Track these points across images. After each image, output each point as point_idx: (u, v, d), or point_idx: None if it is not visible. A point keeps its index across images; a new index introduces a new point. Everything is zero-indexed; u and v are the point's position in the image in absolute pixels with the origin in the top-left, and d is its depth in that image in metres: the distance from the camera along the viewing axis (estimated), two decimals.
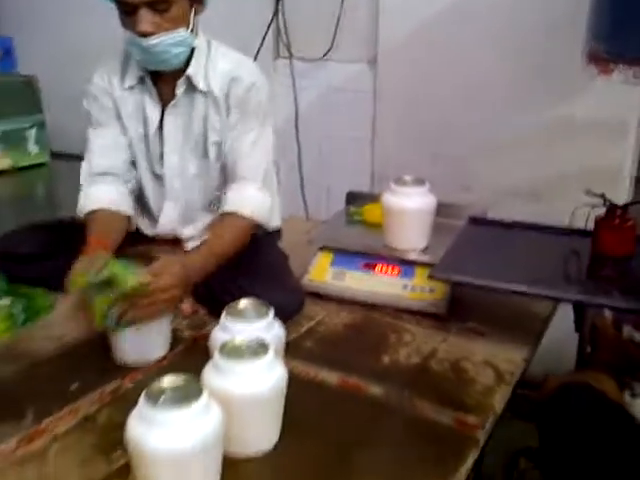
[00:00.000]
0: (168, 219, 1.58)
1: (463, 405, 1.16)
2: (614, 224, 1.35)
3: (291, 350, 1.31)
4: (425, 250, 1.55)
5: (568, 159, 1.94)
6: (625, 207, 1.35)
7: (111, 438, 1.04)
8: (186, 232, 1.60)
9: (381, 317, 1.49)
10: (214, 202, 1.58)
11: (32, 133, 2.75)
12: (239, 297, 1.30)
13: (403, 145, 2.28)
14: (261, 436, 1.03)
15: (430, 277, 1.38)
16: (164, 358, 1.30)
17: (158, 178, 1.56)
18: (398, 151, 2.29)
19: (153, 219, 1.61)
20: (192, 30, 1.40)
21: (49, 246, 1.54)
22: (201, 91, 1.47)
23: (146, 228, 1.63)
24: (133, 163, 1.56)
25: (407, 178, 1.55)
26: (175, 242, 1.58)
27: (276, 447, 1.04)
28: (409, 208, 1.52)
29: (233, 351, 0.99)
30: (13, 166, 2.69)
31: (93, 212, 1.47)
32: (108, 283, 1.18)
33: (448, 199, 1.73)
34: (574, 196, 1.39)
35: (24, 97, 2.73)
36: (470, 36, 2.06)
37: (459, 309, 1.49)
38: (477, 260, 1.45)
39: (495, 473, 1.59)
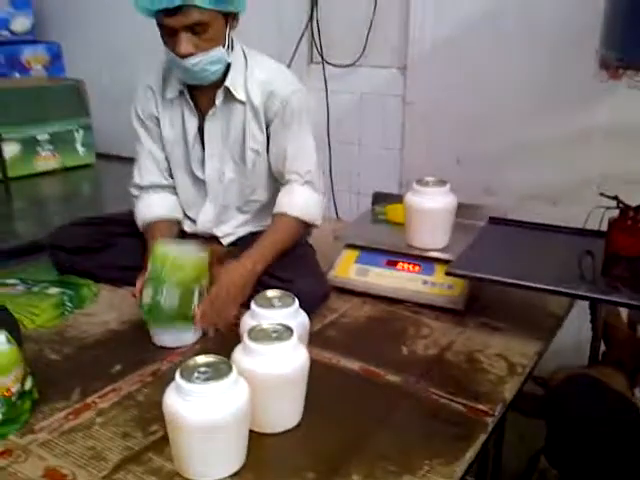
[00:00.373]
0: (206, 219, 1.69)
1: (475, 393, 1.24)
2: (627, 225, 1.40)
3: (315, 339, 1.41)
4: (445, 248, 1.62)
5: (586, 164, 1.99)
6: (638, 208, 1.39)
7: (149, 413, 1.15)
8: (221, 230, 1.71)
9: (402, 311, 1.57)
10: (248, 203, 1.69)
11: (79, 135, 2.90)
12: (271, 286, 1.42)
13: (430, 149, 2.35)
14: (285, 414, 1.12)
15: (447, 273, 1.46)
16: (198, 343, 1.41)
17: (197, 181, 1.67)
18: (425, 155, 2.36)
19: (192, 218, 1.73)
20: (228, 45, 1.48)
21: (95, 240, 1.67)
22: (239, 100, 1.55)
23: (185, 227, 1.74)
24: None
25: (429, 179, 1.62)
26: (212, 239, 1.69)
27: (299, 425, 1.13)
28: (430, 208, 1.59)
29: (260, 335, 1.09)
30: (62, 166, 2.85)
31: (154, 221, 1.62)
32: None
33: (471, 201, 1.80)
34: (591, 200, 1.45)
35: (72, 101, 2.88)
36: (496, 44, 2.12)
37: (477, 305, 1.56)
38: (494, 258, 1.52)
39: (517, 472, 1.66)
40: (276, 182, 1.65)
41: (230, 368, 0.98)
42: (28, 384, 1.16)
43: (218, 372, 0.98)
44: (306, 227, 1.62)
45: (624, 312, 1.59)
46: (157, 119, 1.62)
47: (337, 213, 2.56)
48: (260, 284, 1.47)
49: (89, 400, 1.21)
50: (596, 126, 1.96)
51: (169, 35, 1.41)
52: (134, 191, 1.69)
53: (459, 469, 1.03)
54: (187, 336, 1.39)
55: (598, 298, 1.38)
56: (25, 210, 2.47)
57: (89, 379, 1.27)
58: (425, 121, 2.36)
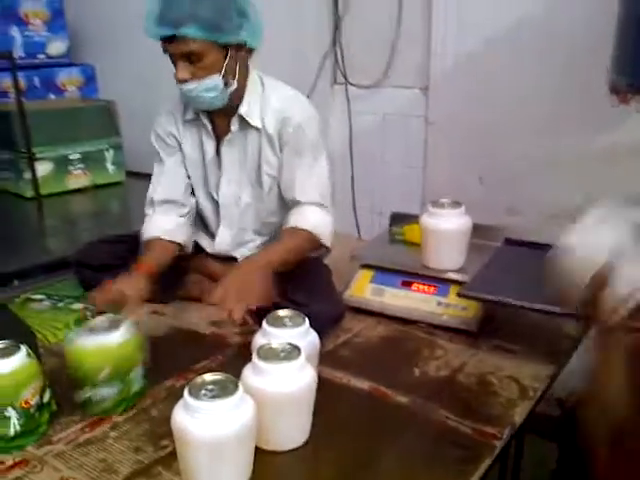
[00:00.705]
0: (223, 242, 1.73)
1: (484, 416, 1.23)
2: None
3: (327, 358, 1.43)
4: (461, 270, 1.63)
5: (612, 184, 1.97)
6: None
7: (161, 429, 1.19)
8: (239, 253, 1.74)
9: (415, 332, 1.58)
10: (266, 226, 1.72)
11: (110, 154, 3.00)
12: (285, 307, 1.45)
13: (453, 169, 2.36)
14: (291, 432, 1.14)
15: (459, 295, 1.46)
16: (212, 361, 1.44)
17: (215, 203, 1.71)
18: (448, 174, 2.37)
19: (211, 238, 1.77)
20: (230, 74, 1.50)
21: (119, 257, 1.72)
22: (254, 127, 1.59)
23: (206, 246, 1.78)
24: (193, 190, 1.73)
25: (444, 200, 1.63)
26: (231, 259, 1.72)
27: (306, 444, 1.15)
28: (445, 229, 1.60)
29: (269, 354, 1.12)
30: (92, 184, 2.94)
31: (151, 239, 1.66)
32: None
33: (493, 221, 1.81)
34: None
35: (103, 121, 2.98)
36: (517, 63, 2.13)
37: (491, 326, 1.56)
38: (509, 280, 1.52)
39: None
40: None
41: (236, 386, 1.01)
42: (47, 396, 1.20)
43: (225, 390, 1.00)
44: (315, 244, 1.60)
45: None
46: (177, 139, 1.67)
47: (359, 232, 2.58)
48: (274, 306, 1.50)
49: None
50: (620, 144, 1.94)
51: (171, 61, 1.47)
52: (147, 209, 1.73)
53: None
54: None
55: None
56: (56, 227, 2.55)
57: None
58: (447, 140, 2.37)
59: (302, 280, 1.56)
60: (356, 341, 1.55)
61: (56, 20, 3.20)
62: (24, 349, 1.16)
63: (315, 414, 1.18)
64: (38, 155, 2.74)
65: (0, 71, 2.95)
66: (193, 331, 1.60)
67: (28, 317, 1.59)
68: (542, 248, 1.66)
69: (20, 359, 1.14)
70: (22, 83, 2.95)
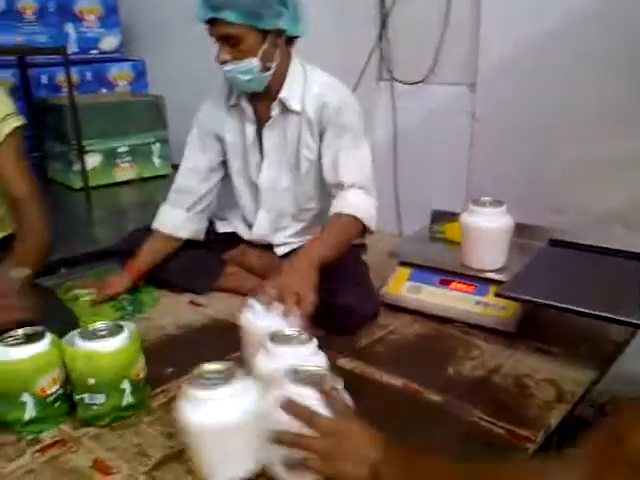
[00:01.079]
0: (261, 227, 1.75)
1: (518, 418, 1.21)
2: None
3: (362, 354, 1.43)
4: (501, 270, 1.59)
5: None
6: None
7: None
8: (276, 239, 1.75)
9: (452, 331, 1.56)
10: (303, 212, 1.73)
11: (156, 147, 3.06)
12: (324, 302, 1.43)
13: (498, 167, 2.31)
14: None
15: (497, 295, 1.43)
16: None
17: (254, 189, 1.73)
18: (493, 173, 2.32)
19: (248, 226, 1.79)
20: (267, 59, 1.52)
21: None
22: (295, 112, 1.61)
23: (243, 234, 1.80)
24: (215, 178, 1.76)
25: (485, 199, 1.60)
26: (267, 247, 1.74)
27: None
28: (485, 228, 1.57)
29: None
30: (139, 176, 3.01)
31: (155, 232, 1.74)
32: None
33: (538, 221, 1.76)
34: None
35: (151, 115, 3.04)
36: (568, 60, 2.07)
37: (530, 328, 1.52)
38: (550, 281, 1.48)
39: None
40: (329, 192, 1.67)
41: (238, 373, 1.01)
42: (70, 387, 1.20)
43: (228, 377, 1.00)
44: (360, 229, 1.58)
45: None
46: (218, 126, 1.70)
47: (401, 230, 2.56)
48: None
49: None
50: None
51: (215, 43, 1.52)
52: (168, 195, 1.79)
53: None
54: None
55: None
56: (103, 218, 2.63)
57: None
58: (494, 138, 2.33)
59: (339, 273, 1.56)
60: (391, 338, 1.54)
61: (109, 16, 3.29)
62: (49, 337, 1.18)
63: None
64: (88, 148, 2.82)
65: (55, 66, 3.05)
66: (229, 322, 1.62)
67: (72, 304, 1.63)
68: (587, 250, 1.62)
69: (41, 347, 1.15)
70: (75, 78, 3.05)
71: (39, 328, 1.19)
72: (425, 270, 1.67)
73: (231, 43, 1.48)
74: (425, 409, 1.25)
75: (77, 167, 2.78)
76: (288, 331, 1.16)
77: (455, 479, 0.84)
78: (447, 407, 1.25)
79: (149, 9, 3.36)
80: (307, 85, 1.61)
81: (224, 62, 1.51)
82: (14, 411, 1.15)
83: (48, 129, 3.00)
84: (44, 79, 3.09)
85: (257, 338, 1.21)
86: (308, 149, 1.64)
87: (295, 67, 1.61)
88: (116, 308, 1.64)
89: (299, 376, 1.01)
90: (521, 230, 1.68)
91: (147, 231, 1.84)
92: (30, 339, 1.16)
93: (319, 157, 1.64)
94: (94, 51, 3.27)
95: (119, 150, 2.94)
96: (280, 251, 1.74)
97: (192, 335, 1.52)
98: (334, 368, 1.37)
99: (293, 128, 1.63)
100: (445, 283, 1.64)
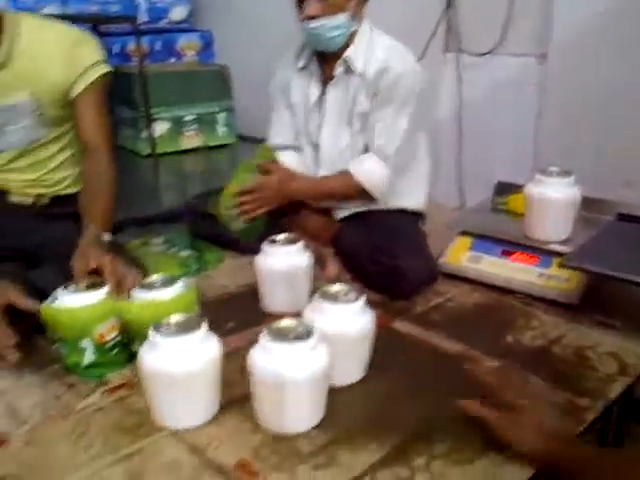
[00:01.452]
0: None
1: (577, 388, 1.19)
2: None
3: (418, 319, 1.44)
4: (566, 242, 1.56)
5: None
6: None
7: (243, 366, 1.20)
8: None
9: (512, 302, 1.54)
10: None
11: (222, 117, 3.12)
12: (381, 265, 1.48)
13: (566, 139, 2.25)
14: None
15: (561, 265, 1.40)
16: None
17: (315, 148, 1.75)
18: (561, 145, 2.26)
19: None
20: (353, 16, 1.55)
21: None
22: (357, 73, 1.61)
23: None
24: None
25: (553, 169, 1.57)
26: (326, 210, 1.75)
27: (389, 398, 1.17)
28: (551, 198, 1.54)
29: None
30: (204, 145, 3.08)
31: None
32: None
33: (607, 195, 1.71)
34: None
35: (217, 84, 3.09)
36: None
37: (593, 301, 1.48)
38: (617, 253, 1.43)
39: None
40: None
41: (200, 324, 1.07)
42: (128, 336, 1.24)
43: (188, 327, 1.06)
44: (362, 195, 1.64)
45: None
46: (289, 86, 1.72)
47: (463, 202, 2.53)
48: (368, 259, 1.53)
49: None
50: None
51: (300, 3, 1.52)
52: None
53: None
54: (292, 305, 1.45)
55: None
56: (169, 183, 2.71)
57: None
58: (563, 110, 2.27)
59: (397, 237, 1.56)
60: (449, 305, 1.53)
61: None
62: (108, 285, 1.22)
63: (400, 371, 1.20)
64: (156, 115, 2.90)
65: (126, 35, 3.13)
66: None
67: (143, 257, 1.69)
68: None
69: (101, 295, 1.20)
70: (145, 47, 3.12)
71: (99, 279, 1.24)
72: (487, 240, 1.65)
73: None
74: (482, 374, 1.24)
75: (145, 134, 2.87)
76: (337, 287, 1.18)
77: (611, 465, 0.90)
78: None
79: None
80: (372, 48, 1.60)
81: (312, 17, 1.51)
82: (74, 356, 1.21)
83: (118, 97, 3.10)
84: (116, 48, 3.18)
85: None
86: (362, 108, 1.64)
87: (364, 28, 1.61)
88: (181, 265, 1.70)
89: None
90: (588, 203, 1.64)
91: (210, 195, 1.88)
92: (91, 288, 1.21)
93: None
94: (164, 21, 3.34)
95: (185, 118, 3.01)
96: (340, 214, 1.75)
97: (251, 296, 1.56)
98: (389, 330, 1.40)
99: (353, 89, 1.64)
100: (507, 254, 1.62)
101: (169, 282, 1.23)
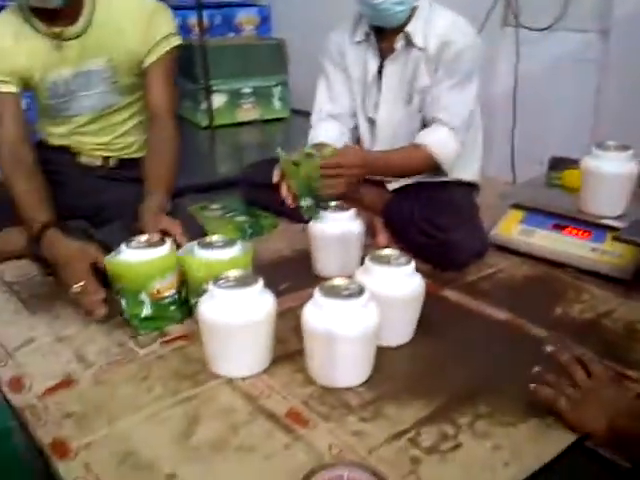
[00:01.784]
0: None
1: (626, 359, 1.19)
2: None
3: (467, 288, 1.47)
4: (620, 217, 1.54)
5: None
6: None
7: (295, 325, 1.24)
8: None
9: (562, 275, 1.54)
10: None
11: (277, 90, 3.16)
12: (432, 237, 1.51)
13: (626, 117, 2.19)
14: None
15: (615, 238, 1.40)
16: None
17: (371, 123, 1.76)
18: (620, 123, 2.20)
19: None
20: None
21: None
22: (417, 47, 1.62)
23: None
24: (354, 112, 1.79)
25: (610, 143, 1.55)
26: (379, 183, 1.78)
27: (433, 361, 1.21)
28: (607, 172, 1.52)
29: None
30: (260, 118, 3.13)
31: (314, 146, 1.71)
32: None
33: None
34: None
35: (273, 58, 3.13)
36: None
37: None
38: None
39: None
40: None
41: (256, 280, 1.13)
42: (184, 294, 1.32)
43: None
44: (432, 166, 1.62)
45: None
46: (345, 60, 1.74)
47: (515, 179, 2.51)
48: (419, 231, 1.55)
49: None
50: None
51: None
52: (312, 120, 1.81)
53: None
54: (342, 269, 1.49)
55: None
56: (226, 153, 2.78)
57: None
58: (624, 87, 2.20)
59: (448, 208, 1.58)
60: (499, 276, 1.55)
61: None
62: (168, 245, 1.28)
63: (447, 336, 1.23)
64: (214, 88, 2.96)
65: (187, 9, 3.20)
66: None
67: (203, 221, 1.76)
68: None
69: (159, 252, 1.26)
70: (205, 21, 3.18)
71: (159, 236, 1.31)
72: (539, 214, 1.65)
73: None
74: (529, 343, 1.26)
75: (204, 106, 2.94)
76: (388, 251, 1.21)
77: None
78: (550, 342, 1.25)
79: None
80: (431, 22, 1.60)
81: None
82: (133, 308, 1.28)
83: (179, 69, 3.16)
84: (177, 21, 3.24)
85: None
86: (424, 85, 1.64)
87: (423, 3, 1.61)
88: (237, 229, 1.76)
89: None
90: None
91: (266, 163, 1.93)
92: (152, 245, 1.27)
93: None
94: None
95: (243, 91, 3.06)
96: (392, 186, 1.77)
97: (304, 260, 1.61)
98: (438, 298, 1.43)
99: (413, 64, 1.64)
100: (559, 228, 1.61)
101: (228, 243, 1.29)
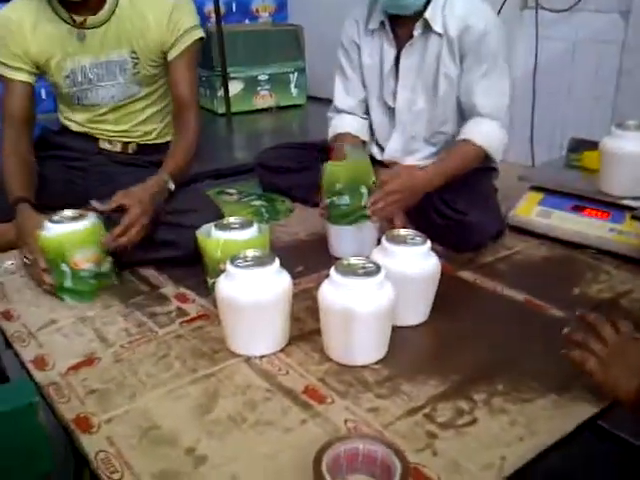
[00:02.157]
0: (393, 148, 1.78)
1: None
2: None
3: (484, 269, 1.46)
4: None
5: None
6: None
7: (311, 305, 1.27)
8: (407, 161, 1.78)
9: (580, 256, 1.54)
10: (436, 136, 1.74)
11: (294, 77, 3.16)
12: (449, 219, 1.51)
13: None
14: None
15: (633, 217, 1.38)
16: None
17: (388, 111, 1.76)
18: None
19: (381, 147, 1.83)
20: None
21: (294, 162, 1.86)
22: (436, 32, 1.60)
23: (376, 154, 1.85)
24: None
25: (631, 122, 1.53)
26: (395, 164, 1.77)
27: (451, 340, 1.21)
28: (627, 152, 1.51)
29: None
30: (276, 104, 3.14)
31: (342, 133, 1.75)
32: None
33: None
34: None
35: (290, 45, 3.13)
36: None
37: None
38: None
39: None
40: (464, 116, 1.67)
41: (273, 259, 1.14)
42: (105, 267, 1.40)
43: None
44: (483, 159, 1.61)
45: None
46: (359, 48, 1.73)
47: (534, 162, 2.49)
48: (436, 212, 1.55)
49: None
50: None
51: None
52: (330, 114, 1.83)
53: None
54: (358, 250, 1.49)
55: None
56: (242, 140, 2.79)
57: None
58: None
59: (466, 190, 1.57)
60: (516, 258, 1.54)
61: None
62: (89, 221, 1.34)
63: (463, 316, 1.23)
64: (231, 75, 2.97)
65: None
66: None
67: (221, 205, 1.78)
68: None
69: (77, 226, 1.33)
70: (222, 8, 3.19)
71: (81, 211, 1.37)
72: (558, 195, 1.65)
73: None
74: (546, 322, 1.26)
75: (220, 93, 2.95)
76: (404, 231, 1.21)
77: None
78: (567, 321, 1.25)
79: None
80: (450, 6, 1.58)
81: None
82: (58, 277, 1.36)
83: None
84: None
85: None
86: (447, 71, 1.63)
87: None
88: (254, 213, 1.77)
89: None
90: None
91: (282, 148, 1.94)
92: (71, 219, 1.34)
93: (458, 80, 1.63)
94: None
95: (259, 78, 3.07)
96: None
97: (320, 243, 1.62)
98: (454, 278, 1.43)
99: (433, 49, 1.62)
100: (578, 209, 1.60)
101: (246, 225, 1.30)
